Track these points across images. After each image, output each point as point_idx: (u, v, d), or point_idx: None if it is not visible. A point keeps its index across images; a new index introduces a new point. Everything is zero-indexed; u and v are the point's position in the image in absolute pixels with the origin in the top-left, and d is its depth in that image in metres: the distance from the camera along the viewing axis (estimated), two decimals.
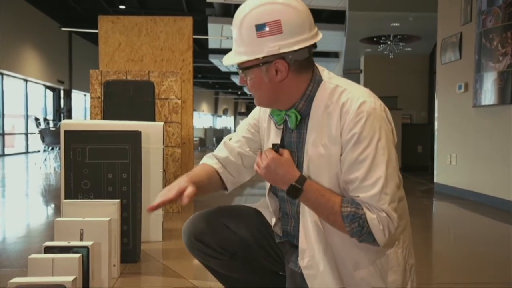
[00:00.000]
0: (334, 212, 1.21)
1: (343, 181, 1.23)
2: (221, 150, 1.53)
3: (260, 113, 1.52)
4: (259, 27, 1.22)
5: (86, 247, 1.84)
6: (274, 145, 1.31)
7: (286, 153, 1.28)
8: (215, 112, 35.97)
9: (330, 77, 1.32)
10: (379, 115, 1.22)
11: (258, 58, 1.25)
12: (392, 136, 1.26)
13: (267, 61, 1.25)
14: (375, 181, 1.18)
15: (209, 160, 1.51)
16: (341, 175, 1.23)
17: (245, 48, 1.26)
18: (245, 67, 1.29)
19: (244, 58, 1.27)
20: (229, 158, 1.49)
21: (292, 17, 1.23)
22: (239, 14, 1.28)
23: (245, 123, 1.56)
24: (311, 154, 1.28)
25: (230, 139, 1.54)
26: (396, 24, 8.77)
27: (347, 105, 1.22)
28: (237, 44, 1.29)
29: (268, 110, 1.45)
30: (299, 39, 1.24)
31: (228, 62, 1.32)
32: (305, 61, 1.29)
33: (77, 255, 1.76)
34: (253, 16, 1.24)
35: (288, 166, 1.26)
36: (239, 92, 33.31)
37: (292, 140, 1.37)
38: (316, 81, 1.32)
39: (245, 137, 1.52)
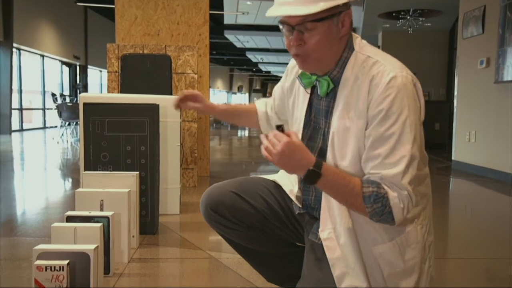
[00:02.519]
0: (354, 194, 1.17)
1: (364, 157, 1.20)
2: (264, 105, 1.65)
3: (286, 77, 1.50)
4: None
5: (107, 217, 1.87)
6: (278, 126, 1.19)
7: (295, 135, 1.18)
8: (230, 89, 35.87)
9: (362, 46, 1.28)
10: (410, 91, 1.18)
11: (335, 6, 1.19)
12: (420, 113, 1.21)
13: (339, 11, 1.21)
14: (399, 159, 1.15)
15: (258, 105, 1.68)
16: (364, 151, 1.20)
17: None
18: (320, 18, 1.18)
19: (332, 3, 1.17)
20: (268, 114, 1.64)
21: None
22: None
23: (278, 89, 1.58)
24: (336, 126, 1.24)
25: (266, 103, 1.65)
26: None
27: (377, 78, 1.18)
28: None
29: (294, 72, 1.43)
30: None
31: (307, 11, 1.15)
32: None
33: (99, 225, 1.79)
34: None
35: (303, 150, 1.17)
36: (254, 69, 33.09)
37: (321, 108, 1.33)
38: (351, 48, 1.28)
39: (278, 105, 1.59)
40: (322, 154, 1.31)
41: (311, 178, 1.16)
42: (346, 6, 1.22)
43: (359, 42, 1.28)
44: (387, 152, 1.16)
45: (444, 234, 2.84)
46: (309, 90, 1.37)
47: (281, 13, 1.19)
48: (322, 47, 1.22)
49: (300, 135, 1.38)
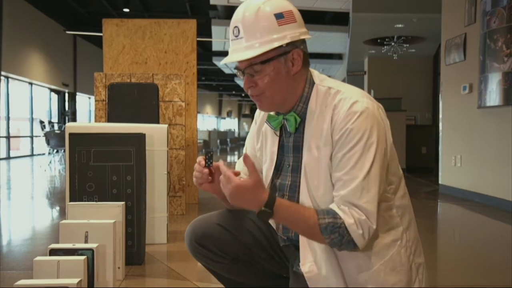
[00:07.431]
0: (311, 225, 1.18)
1: (333, 181, 1.22)
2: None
3: (256, 124, 1.52)
4: (278, 16, 1.24)
5: (91, 250, 1.85)
6: (207, 152, 1.29)
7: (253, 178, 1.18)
8: (219, 114, 36.01)
9: (321, 80, 1.33)
10: (372, 113, 1.21)
11: (279, 47, 1.24)
12: (386, 133, 1.24)
13: (286, 51, 1.26)
14: (356, 177, 1.17)
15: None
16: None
17: (263, 39, 1.23)
18: (264, 60, 1.24)
19: (268, 47, 1.22)
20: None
21: (296, 9, 1.29)
22: (250, 8, 1.25)
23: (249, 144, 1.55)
24: (307, 158, 1.28)
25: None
26: (400, 26, 8.75)
27: (339, 106, 1.23)
28: (250, 37, 1.24)
29: (260, 118, 1.47)
30: (306, 31, 1.29)
31: (245, 56, 1.23)
32: (308, 56, 1.32)
33: (82, 258, 1.76)
34: (270, 6, 1.25)
35: (252, 191, 1.18)
36: (242, 94, 33.32)
37: (289, 145, 1.36)
38: (311, 82, 1.33)
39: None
40: (293, 189, 1.33)
41: (264, 216, 1.20)
42: (293, 45, 1.26)
43: (317, 75, 1.34)
44: (347, 172, 1.18)
45: (433, 260, 2.84)
46: (278, 132, 1.40)
47: (229, 60, 1.28)
48: (272, 86, 1.27)
49: (270, 175, 1.40)
